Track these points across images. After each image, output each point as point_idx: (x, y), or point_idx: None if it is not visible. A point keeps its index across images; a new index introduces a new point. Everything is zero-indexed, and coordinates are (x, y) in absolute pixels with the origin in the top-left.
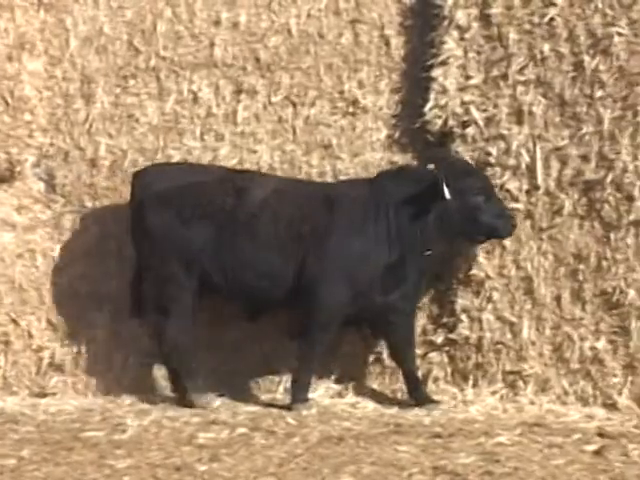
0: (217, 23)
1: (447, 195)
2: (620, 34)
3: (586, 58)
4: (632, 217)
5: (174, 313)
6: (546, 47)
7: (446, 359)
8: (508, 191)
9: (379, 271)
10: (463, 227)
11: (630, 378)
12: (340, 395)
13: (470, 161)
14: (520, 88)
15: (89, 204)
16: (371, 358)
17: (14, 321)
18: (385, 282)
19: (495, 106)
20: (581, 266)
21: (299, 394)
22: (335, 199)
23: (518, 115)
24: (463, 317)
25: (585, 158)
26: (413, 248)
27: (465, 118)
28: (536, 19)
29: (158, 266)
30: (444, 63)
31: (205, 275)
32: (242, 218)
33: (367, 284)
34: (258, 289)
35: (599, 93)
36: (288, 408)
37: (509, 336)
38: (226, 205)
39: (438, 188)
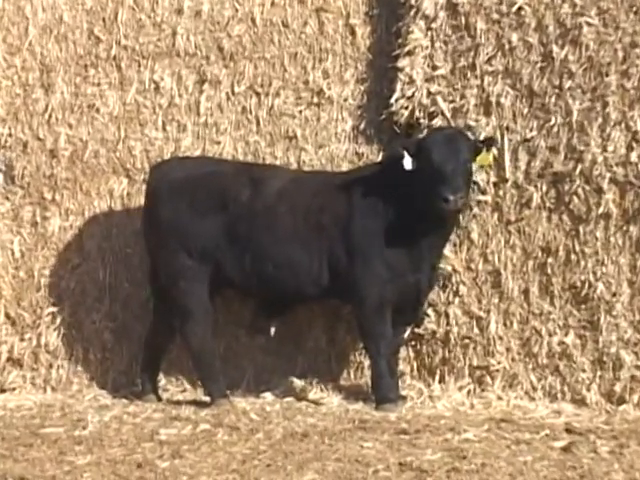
0: (179, 11)
1: (406, 166)
2: (589, 24)
3: (555, 48)
4: (601, 210)
5: (193, 314)
6: (514, 37)
7: (412, 354)
8: (475, 183)
9: (403, 248)
10: (415, 197)
11: (599, 373)
12: (304, 391)
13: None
14: (488, 78)
15: (48, 196)
16: (336, 353)
17: None
18: (412, 260)
19: (462, 97)
20: (549, 259)
21: (380, 394)
22: (352, 186)
23: (486, 106)
24: (430, 311)
25: (554, 150)
26: (422, 222)
27: (432, 109)
28: (504, 8)
29: (170, 259)
30: (410, 53)
31: (220, 268)
32: (259, 209)
33: (398, 262)
34: (278, 281)
35: (568, 84)
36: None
37: (476, 331)
38: (242, 196)
39: (400, 160)
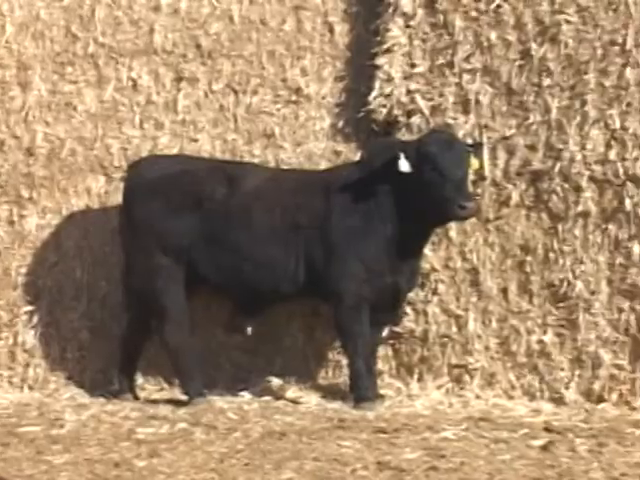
0: (157, 9)
1: (403, 168)
2: (568, 22)
3: (533, 46)
4: (580, 208)
5: (170, 313)
6: (493, 35)
7: (391, 353)
8: None
9: (382, 247)
10: (416, 201)
11: (577, 372)
12: (282, 390)
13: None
14: (466, 76)
15: (25, 194)
16: (314, 352)
17: None
18: (390, 260)
19: (441, 95)
20: (528, 258)
21: (358, 393)
22: (330, 185)
23: (464, 104)
24: (408, 310)
25: (532, 148)
26: (406, 224)
27: (410, 107)
28: (483, 6)
29: (145, 258)
30: (389, 51)
31: (196, 267)
32: (235, 207)
33: (375, 261)
34: (254, 281)
35: (547, 82)
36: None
37: (455, 329)
38: (217, 194)
39: (396, 161)
